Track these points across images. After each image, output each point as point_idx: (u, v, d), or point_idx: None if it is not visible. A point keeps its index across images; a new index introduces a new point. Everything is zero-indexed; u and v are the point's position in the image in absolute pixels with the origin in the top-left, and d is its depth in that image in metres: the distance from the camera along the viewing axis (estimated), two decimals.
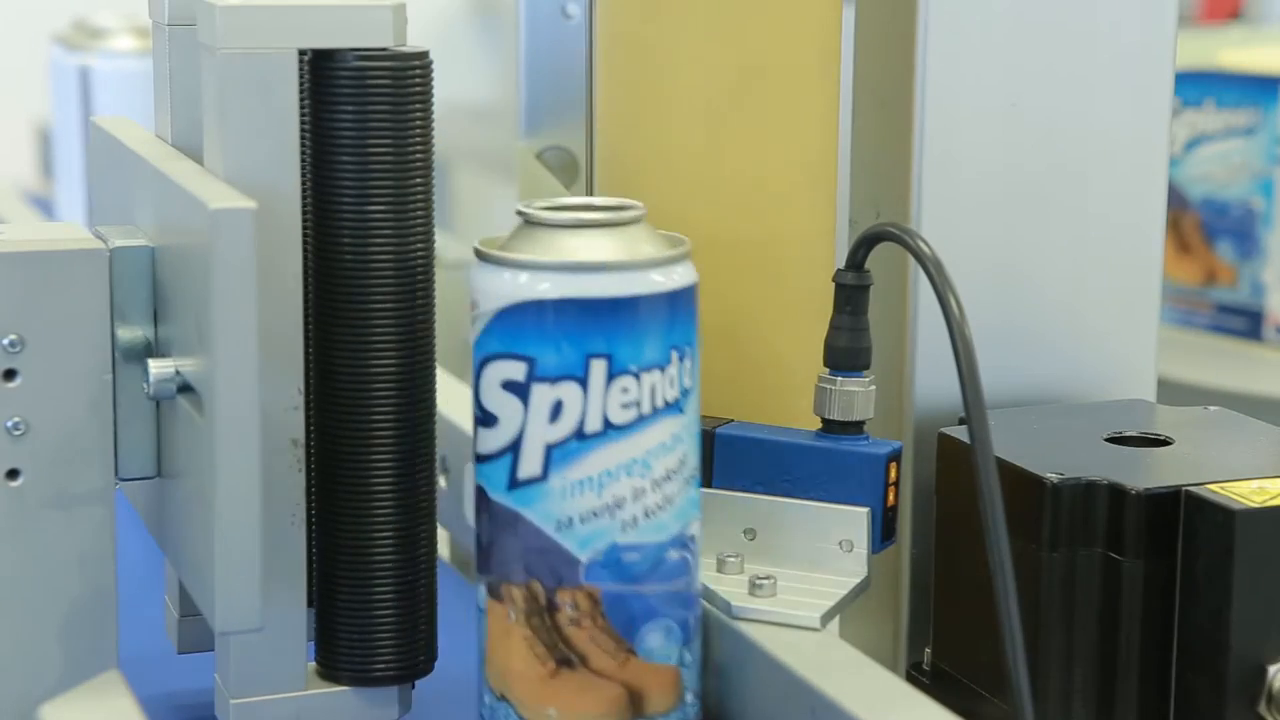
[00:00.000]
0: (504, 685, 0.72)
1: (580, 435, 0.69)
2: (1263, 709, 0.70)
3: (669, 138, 0.81)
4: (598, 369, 0.68)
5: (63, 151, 1.49)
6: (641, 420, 0.69)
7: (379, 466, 0.73)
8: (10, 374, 0.71)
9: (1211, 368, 1.41)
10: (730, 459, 0.78)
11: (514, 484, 0.70)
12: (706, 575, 0.77)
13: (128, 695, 0.73)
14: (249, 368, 0.68)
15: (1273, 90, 1.45)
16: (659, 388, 0.69)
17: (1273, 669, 0.70)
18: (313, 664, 0.76)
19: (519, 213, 0.71)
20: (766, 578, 0.75)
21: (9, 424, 0.71)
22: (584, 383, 0.68)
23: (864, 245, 0.76)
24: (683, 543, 0.71)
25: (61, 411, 0.71)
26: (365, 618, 0.74)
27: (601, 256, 0.69)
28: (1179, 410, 0.82)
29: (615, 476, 0.69)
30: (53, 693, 0.73)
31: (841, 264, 0.77)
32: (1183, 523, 0.71)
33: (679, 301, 0.70)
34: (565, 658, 0.70)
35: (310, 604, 0.75)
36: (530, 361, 0.69)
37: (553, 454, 0.69)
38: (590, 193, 0.86)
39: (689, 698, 0.72)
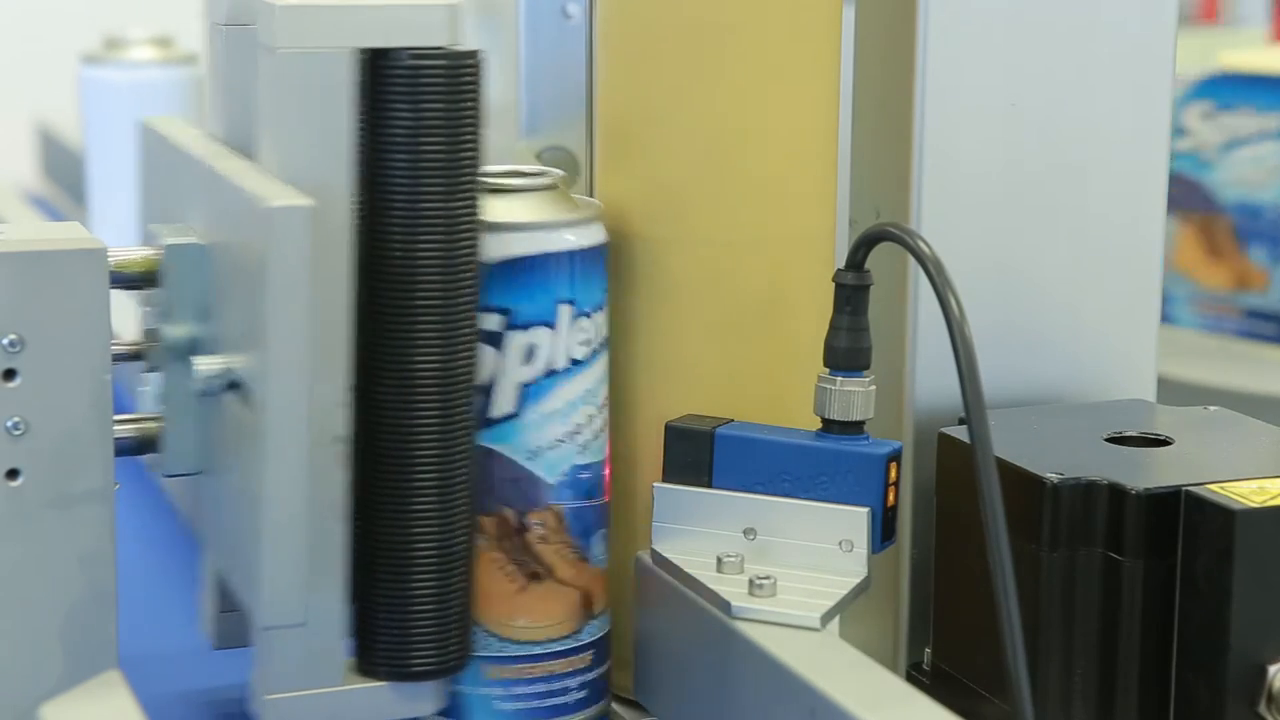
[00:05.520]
0: (474, 610, 0.76)
1: (550, 373, 0.77)
2: (1263, 709, 0.70)
3: (669, 137, 0.81)
4: (564, 313, 0.77)
5: (97, 170, 1.47)
6: (594, 355, 0.79)
7: (420, 463, 0.73)
8: (10, 374, 0.71)
9: (1241, 372, 1.41)
10: (730, 459, 0.78)
11: (486, 423, 0.77)
12: (706, 575, 0.77)
13: (128, 695, 0.73)
14: (301, 365, 0.68)
15: None
16: (600, 326, 0.79)
17: (1273, 669, 0.70)
18: (349, 659, 0.76)
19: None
20: (766, 578, 0.75)
21: (9, 424, 0.71)
22: (553, 326, 0.77)
23: (864, 245, 0.76)
24: (607, 460, 0.80)
25: (61, 411, 0.71)
26: (403, 614, 0.74)
27: (525, 217, 0.78)
28: (1179, 410, 0.82)
29: (575, 406, 0.78)
30: (53, 693, 0.73)
31: (841, 264, 0.77)
32: (1183, 523, 0.71)
33: (603, 254, 0.80)
34: (534, 572, 0.78)
35: (350, 600, 0.75)
36: (506, 312, 0.76)
37: (526, 392, 0.77)
38: (590, 192, 0.86)
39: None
